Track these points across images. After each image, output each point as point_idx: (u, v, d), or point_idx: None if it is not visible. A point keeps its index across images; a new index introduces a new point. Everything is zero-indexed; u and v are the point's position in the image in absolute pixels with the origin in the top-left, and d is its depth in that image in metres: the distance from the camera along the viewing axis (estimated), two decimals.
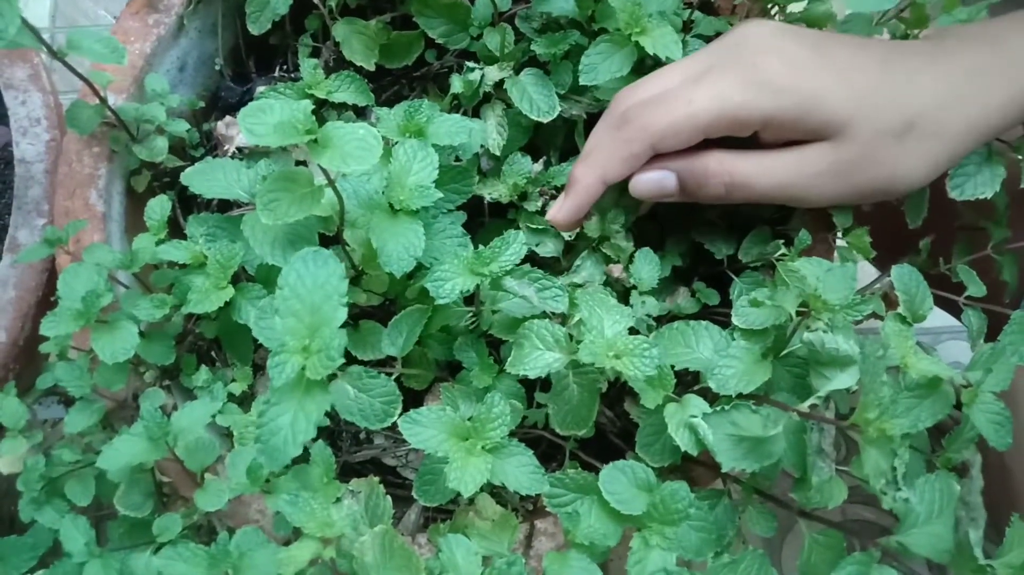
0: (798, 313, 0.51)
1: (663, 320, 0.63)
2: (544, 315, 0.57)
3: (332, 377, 0.54)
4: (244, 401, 0.63)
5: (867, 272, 0.71)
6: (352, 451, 0.68)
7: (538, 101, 0.65)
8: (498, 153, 0.68)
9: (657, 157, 0.57)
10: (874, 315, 0.58)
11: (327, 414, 0.68)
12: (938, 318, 0.73)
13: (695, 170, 0.56)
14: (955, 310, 0.64)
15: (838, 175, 0.55)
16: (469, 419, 0.53)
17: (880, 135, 0.54)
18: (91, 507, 0.61)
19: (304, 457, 0.58)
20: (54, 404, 0.82)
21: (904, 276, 0.56)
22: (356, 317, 0.65)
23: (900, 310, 0.56)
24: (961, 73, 0.55)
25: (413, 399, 0.66)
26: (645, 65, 0.62)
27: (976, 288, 0.63)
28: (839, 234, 0.60)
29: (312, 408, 0.49)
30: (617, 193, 0.61)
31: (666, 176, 0.57)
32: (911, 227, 0.62)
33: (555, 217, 0.60)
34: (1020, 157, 0.58)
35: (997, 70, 0.55)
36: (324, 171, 0.54)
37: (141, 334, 0.59)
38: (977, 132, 0.55)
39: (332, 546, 0.48)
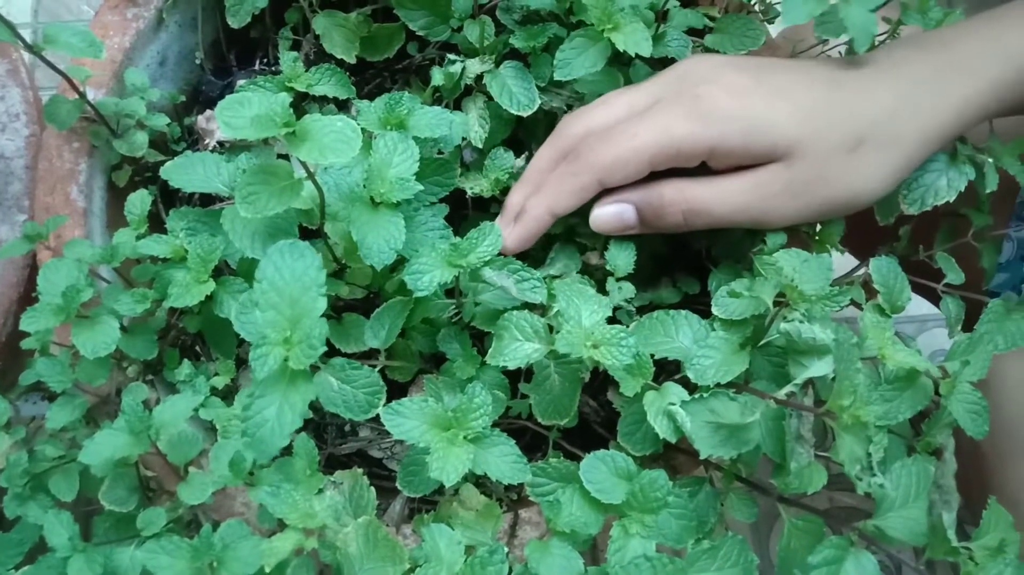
0: (776, 303, 0.52)
1: (645, 310, 0.63)
2: (524, 306, 0.58)
3: (315, 369, 0.54)
4: (227, 395, 0.63)
5: (847, 260, 0.71)
6: (338, 443, 0.68)
7: (518, 95, 0.65)
8: (480, 146, 0.68)
9: (613, 190, 0.58)
10: (854, 304, 0.59)
11: (312, 407, 0.68)
12: (924, 306, 0.74)
13: (651, 200, 0.57)
14: (934, 297, 0.65)
15: (795, 195, 0.55)
16: (452, 410, 0.53)
17: (831, 151, 0.54)
18: (79, 503, 0.61)
19: (288, 450, 0.58)
20: (38, 401, 0.82)
21: (883, 268, 0.56)
22: (340, 310, 0.65)
23: (878, 301, 0.56)
24: (912, 81, 0.56)
25: (398, 391, 0.66)
26: (622, 59, 0.62)
27: (955, 275, 0.63)
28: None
29: (297, 399, 0.49)
30: None
31: (625, 209, 0.58)
32: (882, 224, 0.62)
33: (503, 244, 0.60)
34: (990, 159, 0.59)
35: (949, 74, 0.56)
36: (304, 164, 0.54)
37: (123, 329, 0.59)
38: (934, 136, 0.56)
39: (314, 537, 0.49)
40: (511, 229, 0.61)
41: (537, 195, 0.60)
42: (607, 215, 0.58)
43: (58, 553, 0.53)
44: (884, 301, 0.54)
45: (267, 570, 0.46)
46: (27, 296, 0.67)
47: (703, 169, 0.57)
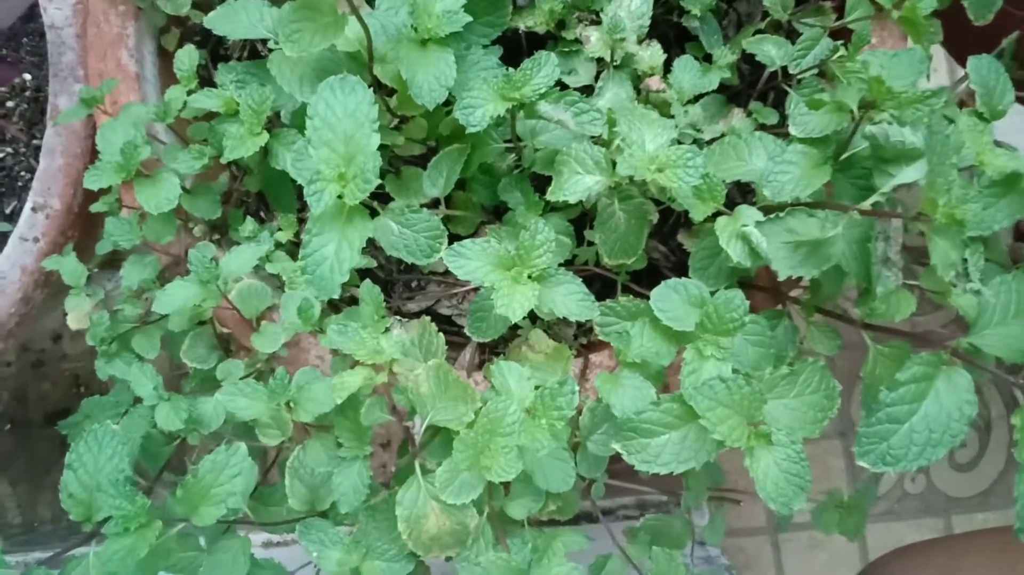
0: (860, 111, 0.48)
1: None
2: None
3: (375, 214, 0.53)
4: (292, 251, 0.63)
5: None
6: (405, 298, 0.68)
7: None
8: None
9: None
10: (946, 119, 0.54)
11: (379, 264, 0.68)
12: None
13: None
14: None
15: None
16: (515, 248, 0.52)
17: None
18: (169, 367, 0.63)
19: (356, 301, 0.58)
20: (118, 277, 0.85)
21: (981, 68, 0.51)
22: (399, 168, 0.64)
23: (977, 106, 0.51)
24: None
25: None
26: None
27: None
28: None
29: (354, 236, 0.48)
30: None
31: None
32: (976, 23, 0.56)
33: None
34: None
35: None
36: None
37: (186, 190, 0.59)
38: None
39: (383, 373, 0.49)
40: None
41: None
42: None
43: (145, 402, 0.55)
44: (983, 104, 0.49)
45: (337, 402, 0.47)
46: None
47: None
